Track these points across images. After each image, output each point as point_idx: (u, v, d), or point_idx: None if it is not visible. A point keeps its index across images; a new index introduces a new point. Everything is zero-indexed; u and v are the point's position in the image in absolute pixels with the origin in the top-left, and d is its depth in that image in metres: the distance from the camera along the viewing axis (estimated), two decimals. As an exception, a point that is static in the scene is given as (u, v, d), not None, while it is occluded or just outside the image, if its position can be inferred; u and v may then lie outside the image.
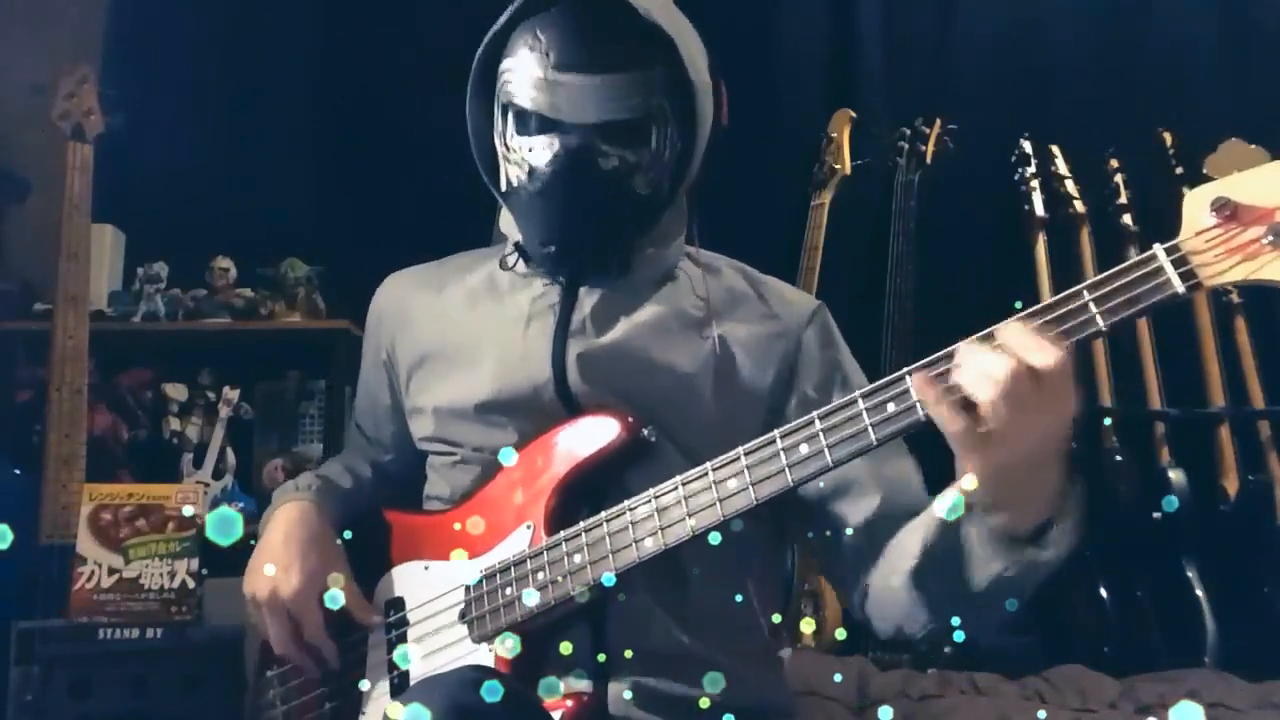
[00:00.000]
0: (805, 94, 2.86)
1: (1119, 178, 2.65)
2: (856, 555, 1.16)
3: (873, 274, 2.63)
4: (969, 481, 0.94)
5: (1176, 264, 0.87)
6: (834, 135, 2.65)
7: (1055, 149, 2.70)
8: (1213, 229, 0.86)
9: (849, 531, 1.16)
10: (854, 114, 2.68)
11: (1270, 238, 0.84)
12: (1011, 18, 2.84)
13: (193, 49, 2.85)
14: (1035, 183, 2.66)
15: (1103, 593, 2.37)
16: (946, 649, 2.27)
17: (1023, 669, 1.87)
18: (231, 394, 2.68)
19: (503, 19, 1.23)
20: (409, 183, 2.75)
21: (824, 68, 2.88)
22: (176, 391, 2.71)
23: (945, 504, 0.98)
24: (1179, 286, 0.87)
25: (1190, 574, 2.35)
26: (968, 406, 0.91)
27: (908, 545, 1.08)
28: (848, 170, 2.62)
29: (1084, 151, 2.69)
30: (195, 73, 2.82)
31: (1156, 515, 2.41)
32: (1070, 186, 2.66)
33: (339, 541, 1.27)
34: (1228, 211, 0.86)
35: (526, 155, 1.20)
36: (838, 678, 1.78)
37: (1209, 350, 2.52)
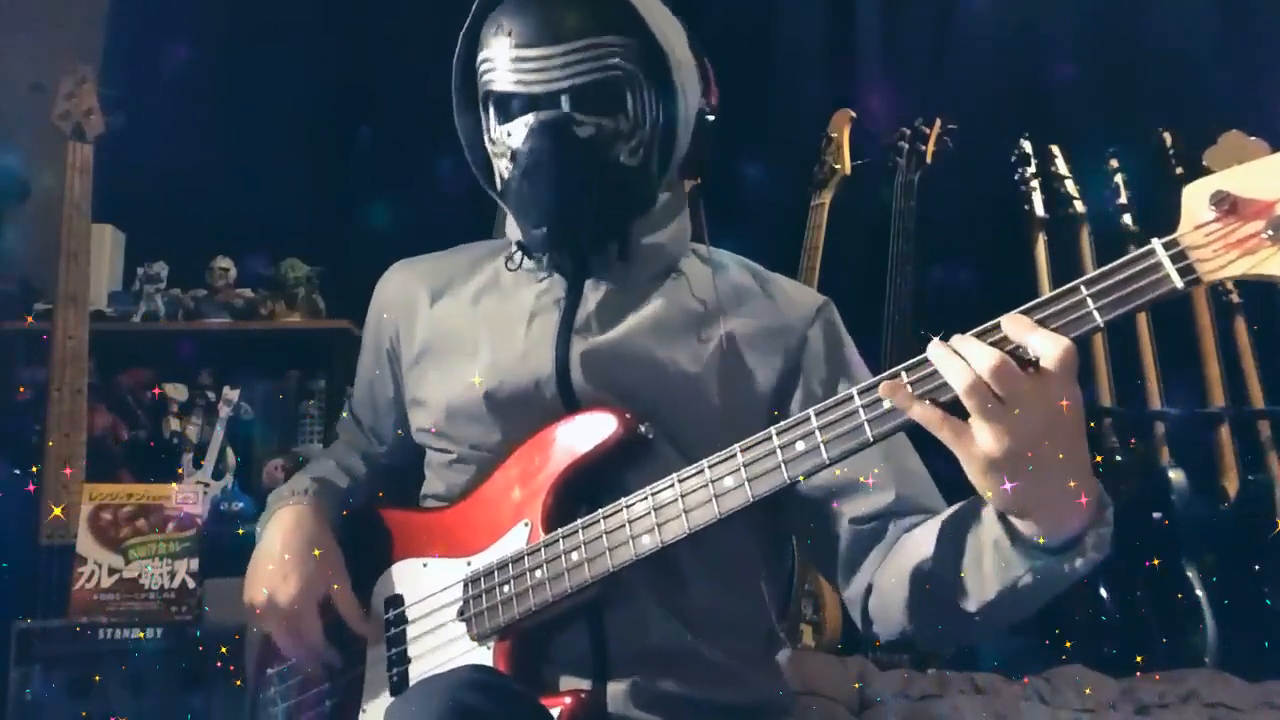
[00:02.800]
0: (805, 94, 2.85)
1: (1119, 178, 2.65)
2: (863, 552, 1.15)
3: (873, 274, 2.63)
4: (972, 478, 0.92)
5: (1175, 259, 0.85)
6: (834, 135, 2.65)
7: (1055, 149, 2.70)
8: (1212, 223, 0.84)
9: (859, 526, 1.15)
10: (854, 114, 2.68)
11: (1270, 232, 0.82)
12: (1011, 18, 2.84)
13: (193, 49, 2.85)
14: (1035, 183, 2.66)
15: (1103, 593, 2.37)
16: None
17: (1023, 669, 1.87)
18: (231, 394, 2.68)
19: (469, 19, 1.24)
20: (409, 183, 2.75)
21: (824, 68, 2.88)
22: (176, 391, 2.72)
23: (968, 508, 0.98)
24: (1178, 282, 0.85)
25: (1190, 574, 2.35)
26: (955, 407, 0.90)
27: (921, 545, 1.06)
28: (848, 170, 2.62)
29: (1084, 151, 2.69)
30: (195, 73, 2.82)
31: (1156, 515, 2.41)
32: (1070, 186, 2.66)
33: (337, 544, 1.27)
34: (1227, 205, 0.84)
35: (508, 141, 1.21)
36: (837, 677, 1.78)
37: (1209, 350, 2.52)
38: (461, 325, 1.27)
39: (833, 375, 1.22)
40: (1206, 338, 2.53)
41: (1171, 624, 2.32)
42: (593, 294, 1.23)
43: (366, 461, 1.41)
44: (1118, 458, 2.47)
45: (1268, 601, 2.29)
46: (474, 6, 1.23)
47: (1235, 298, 2.60)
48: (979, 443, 0.89)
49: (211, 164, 2.74)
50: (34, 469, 2.21)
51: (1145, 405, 2.51)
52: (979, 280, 2.67)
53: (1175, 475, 2.43)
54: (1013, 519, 0.95)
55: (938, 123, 2.68)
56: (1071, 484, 0.91)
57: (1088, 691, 1.76)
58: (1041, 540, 0.94)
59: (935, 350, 0.91)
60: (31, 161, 2.67)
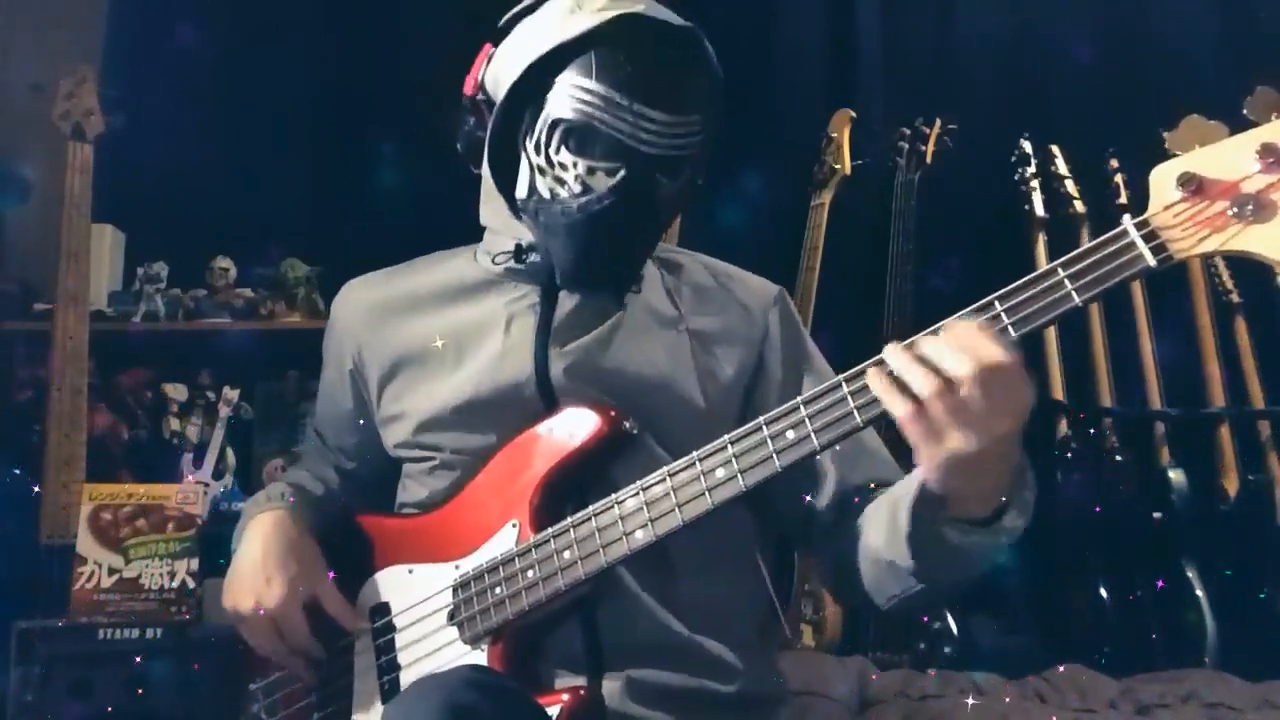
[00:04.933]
0: (805, 94, 2.86)
1: (1119, 178, 2.65)
2: (827, 531, 1.19)
3: (873, 274, 2.63)
4: (923, 470, 0.97)
5: (1147, 238, 0.89)
6: (834, 135, 2.65)
7: (1055, 149, 2.70)
8: (1180, 203, 0.89)
9: (819, 509, 1.20)
10: (854, 114, 2.68)
11: (1235, 209, 0.87)
12: (1011, 18, 2.84)
13: (193, 49, 2.85)
14: (1035, 183, 2.67)
15: (1103, 593, 2.37)
16: (947, 649, 2.28)
17: (1023, 669, 1.87)
18: (231, 394, 2.68)
19: (579, 32, 1.17)
20: (408, 183, 2.75)
21: (824, 68, 2.88)
22: (176, 391, 2.72)
23: (910, 493, 1.02)
24: (1150, 260, 0.89)
25: (1190, 574, 2.35)
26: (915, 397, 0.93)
27: (873, 521, 1.11)
28: (848, 170, 2.62)
29: (1084, 151, 2.69)
30: (195, 73, 2.82)
31: (1156, 515, 2.41)
32: (1070, 186, 2.67)
33: (317, 547, 1.27)
34: (1193, 186, 0.89)
35: (584, 175, 1.17)
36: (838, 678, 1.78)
37: (1209, 350, 2.53)
38: (433, 335, 1.27)
39: (792, 361, 1.27)
40: (1206, 338, 2.53)
41: (1171, 624, 2.33)
42: (567, 300, 1.25)
43: (338, 473, 1.41)
44: (1118, 458, 2.47)
45: (1268, 601, 2.30)
46: (587, 26, 1.16)
47: (1235, 298, 2.60)
48: (940, 444, 0.93)
49: (211, 164, 2.74)
50: (34, 469, 2.21)
51: (1145, 405, 2.52)
52: (979, 280, 2.65)
53: (1175, 475, 2.43)
54: (948, 499, 0.99)
55: (938, 123, 2.68)
56: (1007, 469, 0.97)
57: (1088, 691, 1.76)
58: (972, 516, 1.00)
59: (895, 357, 0.95)
60: (31, 161, 2.67)
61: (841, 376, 0.99)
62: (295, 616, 1.21)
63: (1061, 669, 1.85)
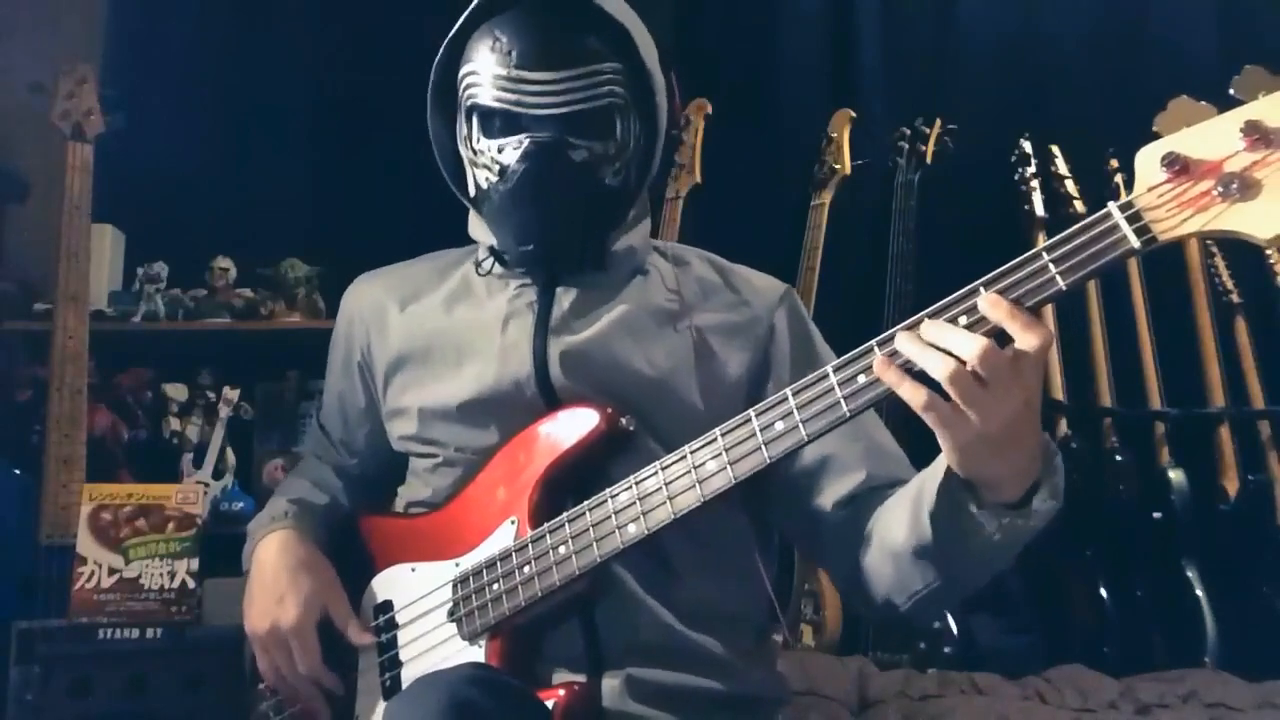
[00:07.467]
0: (805, 94, 2.86)
1: (1119, 178, 2.65)
2: (841, 530, 1.16)
3: (873, 274, 2.64)
4: (948, 457, 0.96)
5: (1131, 220, 0.88)
6: (834, 135, 2.65)
7: (1055, 149, 2.70)
8: (1164, 184, 0.87)
9: (834, 508, 1.17)
10: (854, 114, 2.68)
11: (1220, 189, 0.85)
12: (1011, 17, 2.84)
13: (193, 49, 2.85)
14: (1035, 183, 2.67)
15: (1103, 593, 2.38)
16: (947, 649, 2.28)
17: (1023, 669, 1.87)
18: (231, 394, 2.68)
19: (459, 24, 1.24)
20: (409, 183, 2.75)
21: (824, 68, 2.88)
22: (176, 391, 2.71)
23: (935, 478, 1.00)
24: (1134, 242, 0.88)
25: (1190, 574, 2.35)
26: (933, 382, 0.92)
27: (895, 516, 1.08)
28: (848, 170, 2.62)
29: (1084, 151, 2.69)
30: (195, 73, 2.82)
31: (1156, 515, 2.42)
32: (1070, 186, 2.67)
33: (326, 561, 1.27)
34: (1178, 166, 0.87)
35: (496, 156, 1.21)
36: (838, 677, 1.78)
37: (1209, 350, 2.53)
38: (436, 332, 1.28)
39: (801, 360, 1.25)
40: (1206, 338, 2.53)
41: (1171, 624, 2.33)
42: (565, 295, 1.25)
43: (339, 474, 1.41)
44: (1118, 457, 2.48)
45: (1268, 601, 2.30)
46: (465, 14, 1.23)
47: (1235, 298, 2.60)
48: (962, 426, 0.91)
49: (211, 164, 2.74)
50: (34, 469, 2.21)
51: (1145, 405, 2.52)
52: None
53: (1175, 475, 2.43)
54: (979, 485, 0.98)
55: (938, 123, 2.69)
56: (1033, 448, 0.96)
57: (1088, 691, 1.76)
58: (1004, 500, 0.98)
59: (908, 344, 0.93)
60: (31, 161, 2.67)
61: (829, 366, 0.98)
62: (309, 636, 1.21)
63: (1061, 669, 1.86)
